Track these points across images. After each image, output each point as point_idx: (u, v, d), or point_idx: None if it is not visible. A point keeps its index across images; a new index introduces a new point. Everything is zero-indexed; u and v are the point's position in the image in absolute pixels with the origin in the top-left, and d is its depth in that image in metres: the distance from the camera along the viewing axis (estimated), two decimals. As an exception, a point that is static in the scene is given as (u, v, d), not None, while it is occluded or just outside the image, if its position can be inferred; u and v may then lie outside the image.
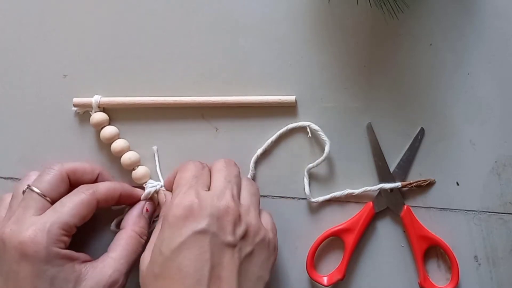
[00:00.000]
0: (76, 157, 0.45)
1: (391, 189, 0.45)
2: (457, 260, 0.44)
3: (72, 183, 0.41)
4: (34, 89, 0.46)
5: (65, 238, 0.37)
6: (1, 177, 0.46)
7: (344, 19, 0.45)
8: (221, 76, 0.46)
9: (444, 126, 0.46)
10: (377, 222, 0.46)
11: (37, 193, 0.38)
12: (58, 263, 0.35)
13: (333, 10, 0.45)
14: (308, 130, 0.45)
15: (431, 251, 0.45)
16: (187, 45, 0.46)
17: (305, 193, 0.45)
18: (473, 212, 0.45)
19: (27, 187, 0.38)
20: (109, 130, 0.44)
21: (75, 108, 0.45)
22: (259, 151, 0.45)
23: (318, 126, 0.45)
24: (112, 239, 0.41)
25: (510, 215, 0.45)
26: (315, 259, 0.45)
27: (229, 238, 0.35)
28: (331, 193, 0.45)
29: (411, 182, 0.45)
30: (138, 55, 0.46)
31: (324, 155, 0.44)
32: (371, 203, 0.45)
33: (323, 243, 0.45)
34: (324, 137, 0.44)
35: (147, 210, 0.41)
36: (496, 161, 0.45)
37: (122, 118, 0.46)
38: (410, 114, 0.46)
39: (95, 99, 0.44)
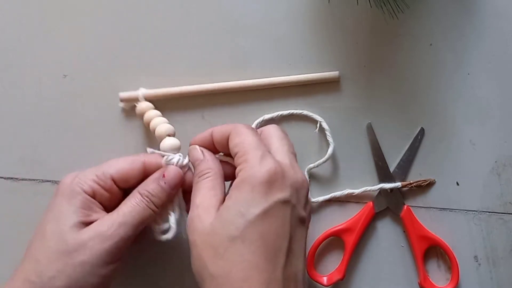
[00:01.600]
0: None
1: (391, 189, 0.45)
2: (457, 260, 0.44)
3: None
4: (34, 89, 0.46)
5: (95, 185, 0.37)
6: (1, 177, 0.46)
7: (344, 19, 0.45)
8: (222, 76, 0.46)
9: (444, 126, 0.46)
10: (377, 222, 0.46)
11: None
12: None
13: (333, 10, 0.45)
14: (317, 126, 0.45)
15: (431, 251, 0.45)
16: (188, 45, 0.46)
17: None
18: (473, 212, 0.45)
19: None
20: (144, 106, 0.44)
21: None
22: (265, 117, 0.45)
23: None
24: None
25: (510, 215, 0.45)
26: (315, 259, 0.45)
27: (303, 212, 0.35)
28: (331, 193, 0.45)
29: (411, 182, 0.45)
30: (143, 47, 0.46)
31: (326, 156, 0.44)
32: (371, 203, 0.45)
33: (323, 243, 0.45)
34: (330, 138, 0.44)
35: (163, 176, 0.38)
36: (496, 161, 0.45)
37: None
38: (410, 114, 0.46)
39: (141, 92, 0.44)
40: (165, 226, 0.39)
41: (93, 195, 0.37)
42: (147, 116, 0.43)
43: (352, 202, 0.46)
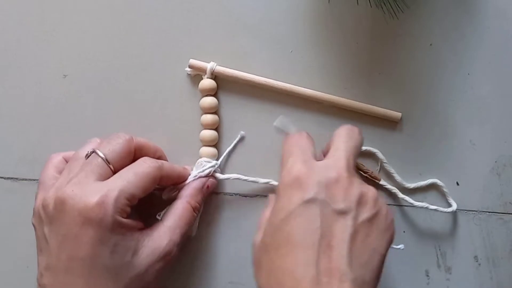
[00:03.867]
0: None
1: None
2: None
3: (134, 159, 0.40)
4: (34, 89, 0.46)
5: (128, 209, 0.36)
6: (1, 177, 0.46)
7: (344, 19, 0.45)
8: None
9: (444, 126, 0.46)
10: (377, 222, 0.46)
11: (102, 158, 0.37)
12: (121, 231, 0.35)
13: (333, 10, 0.45)
14: (379, 165, 0.45)
15: (431, 251, 0.45)
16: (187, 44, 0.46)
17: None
18: (473, 212, 0.45)
19: (92, 152, 0.37)
20: (208, 101, 0.45)
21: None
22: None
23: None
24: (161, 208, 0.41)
25: (510, 215, 0.45)
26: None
27: (341, 205, 0.33)
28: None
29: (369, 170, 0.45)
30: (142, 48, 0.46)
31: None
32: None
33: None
34: (390, 168, 0.45)
35: (207, 187, 0.41)
36: (496, 161, 0.45)
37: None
38: (410, 114, 0.46)
39: (211, 65, 0.45)
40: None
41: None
42: (206, 107, 0.45)
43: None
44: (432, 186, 0.45)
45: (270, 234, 0.34)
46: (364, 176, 0.45)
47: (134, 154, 0.40)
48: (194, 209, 0.41)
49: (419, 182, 0.45)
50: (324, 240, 0.32)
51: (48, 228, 0.35)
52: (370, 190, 0.35)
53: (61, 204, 0.35)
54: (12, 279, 0.46)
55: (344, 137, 0.38)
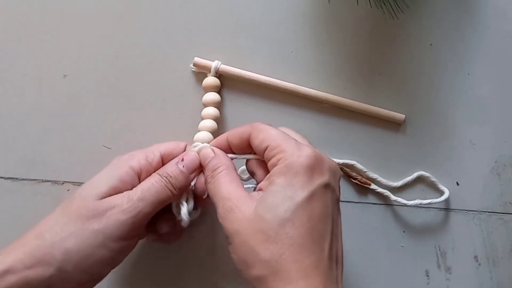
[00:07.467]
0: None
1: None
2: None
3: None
4: (34, 89, 0.46)
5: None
6: (1, 177, 0.46)
7: (344, 19, 0.45)
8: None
9: (444, 126, 0.46)
10: (377, 222, 0.46)
11: None
12: None
13: (333, 10, 0.45)
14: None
15: (431, 251, 0.45)
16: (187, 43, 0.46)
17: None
18: (473, 212, 0.45)
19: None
20: (211, 96, 0.44)
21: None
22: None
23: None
24: None
25: (510, 215, 0.45)
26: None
27: (339, 194, 0.36)
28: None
29: (358, 177, 0.45)
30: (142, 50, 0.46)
31: None
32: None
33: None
34: (373, 174, 0.45)
35: (182, 160, 0.40)
36: (496, 161, 0.45)
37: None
38: (410, 114, 0.46)
39: (215, 64, 0.45)
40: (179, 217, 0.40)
41: (139, 172, 0.39)
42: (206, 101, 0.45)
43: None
44: (422, 181, 0.45)
45: (289, 208, 0.33)
46: (354, 182, 0.45)
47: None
48: (161, 176, 0.39)
49: (405, 178, 0.45)
50: (333, 225, 0.34)
51: None
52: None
53: None
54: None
55: (298, 134, 0.38)
